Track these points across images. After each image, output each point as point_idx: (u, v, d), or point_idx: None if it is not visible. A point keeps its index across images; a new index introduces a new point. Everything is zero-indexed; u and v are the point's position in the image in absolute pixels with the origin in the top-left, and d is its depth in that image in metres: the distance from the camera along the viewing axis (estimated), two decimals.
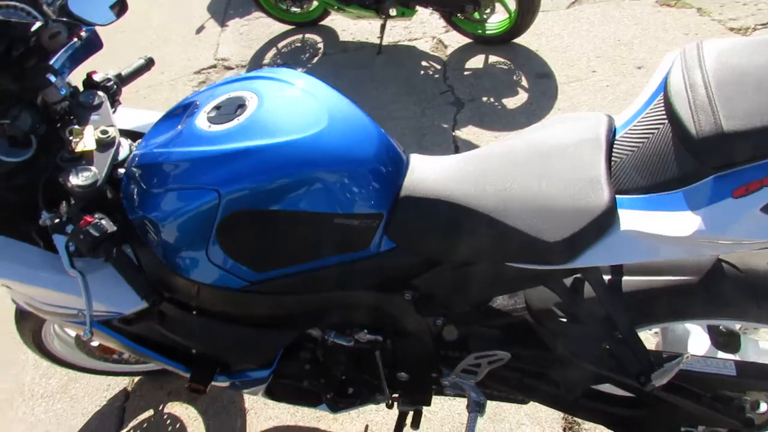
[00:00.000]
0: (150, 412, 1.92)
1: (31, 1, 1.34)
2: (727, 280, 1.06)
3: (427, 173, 1.13)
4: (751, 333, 1.31)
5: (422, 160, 1.18)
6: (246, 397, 1.89)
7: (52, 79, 1.25)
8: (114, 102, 1.41)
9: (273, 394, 1.43)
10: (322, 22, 4.49)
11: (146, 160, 1.13)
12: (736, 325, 1.26)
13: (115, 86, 1.40)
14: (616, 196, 0.96)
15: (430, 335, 1.25)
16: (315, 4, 4.18)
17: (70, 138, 1.21)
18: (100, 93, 1.33)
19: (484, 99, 3.15)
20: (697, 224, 0.84)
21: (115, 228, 1.09)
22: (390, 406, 1.49)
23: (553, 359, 1.21)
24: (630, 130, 1.02)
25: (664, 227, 0.87)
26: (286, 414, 1.81)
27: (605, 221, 0.93)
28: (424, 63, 3.66)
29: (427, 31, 3.99)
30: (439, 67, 3.57)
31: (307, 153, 1.05)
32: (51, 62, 1.31)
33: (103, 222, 1.08)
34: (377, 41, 3.83)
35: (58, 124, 1.27)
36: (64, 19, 1.31)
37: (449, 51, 3.72)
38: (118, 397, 1.99)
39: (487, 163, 1.12)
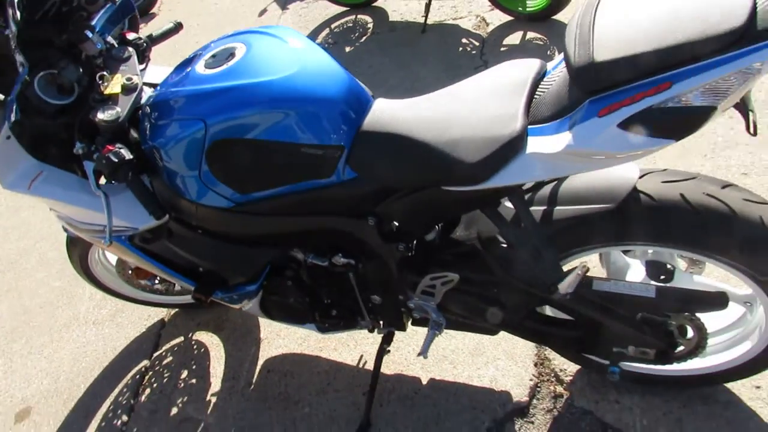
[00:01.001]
0: (181, 339, 2.20)
1: None
2: (640, 207, 1.17)
3: (386, 113, 1.30)
4: (697, 271, 1.39)
5: (385, 103, 1.35)
6: (261, 328, 2.12)
7: (89, 35, 1.51)
8: (144, 58, 1.65)
9: (267, 311, 1.66)
10: (375, 4, 4.69)
11: (155, 100, 1.37)
12: (678, 261, 1.36)
13: (144, 44, 1.65)
14: (530, 126, 1.10)
15: (393, 260, 1.42)
16: None
17: (101, 83, 1.47)
18: (130, 48, 1.58)
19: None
20: (568, 140, 0.98)
21: (131, 156, 1.33)
22: (372, 331, 1.68)
23: (495, 281, 1.36)
24: (553, 73, 1.16)
25: (547, 147, 1.01)
26: (293, 344, 2.03)
27: (515, 146, 1.08)
28: (464, 40, 3.77)
29: (472, 10, 4.09)
30: (477, 43, 3.68)
31: (278, 91, 1.24)
32: (92, 22, 1.57)
33: (122, 150, 1.32)
34: (435, 19, 4.00)
35: (96, 74, 1.53)
36: None
37: (490, 29, 3.81)
38: (155, 325, 2.28)
39: (436, 102, 1.27)
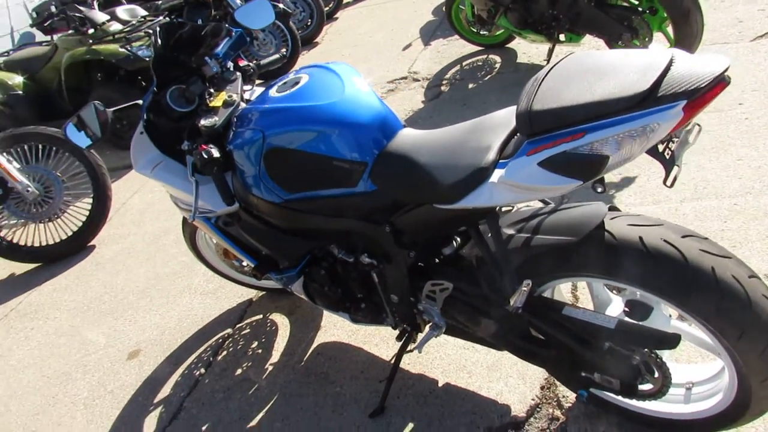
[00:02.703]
0: (260, 316, 2.60)
1: (208, 13, 2.09)
2: (600, 243, 1.31)
3: (405, 139, 1.57)
4: (687, 321, 1.46)
5: (409, 131, 1.61)
6: (323, 318, 2.45)
7: (208, 60, 1.97)
8: (250, 81, 2.08)
9: (309, 295, 1.98)
10: (508, 45, 4.93)
11: (240, 113, 1.77)
12: (667, 309, 1.45)
13: (251, 71, 2.08)
14: (501, 161, 1.30)
15: (405, 264, 1.67)
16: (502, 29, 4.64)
17: (209, 97, 1.90)
18: (237, 73, 2.01)
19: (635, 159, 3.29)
20: (504, 173, 1.18)
21: (218, 155, 1.73)
22: (395, 328, 1.93)
23: (481, 294, 1.55)
24: None
25: (495, 177, 1.23)
26: (345, 335, 2.33)
27: (482, 174, 1.29)
28: None
29: None
30: None
31: (319, 114, 1.57)
32: (217, 50, 2.03)
33: (212, 150, 1.73)
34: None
35: (207, 90, 1.98)
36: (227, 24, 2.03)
37: None
38: (244, 303, 2.72)
39: (444, 134, 1.51)
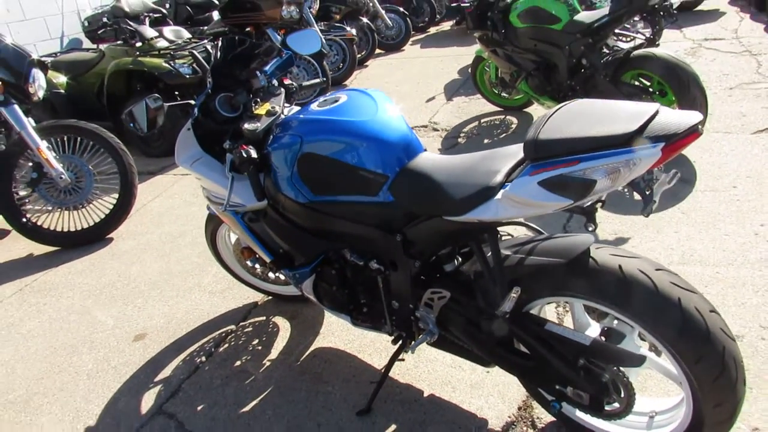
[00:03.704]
0: (263, 318, 2.76)
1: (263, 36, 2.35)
2: (584, 267, 1.50)
3: (425, 160, 1.78)
4: (654, 352, 1.63)
5: (429, 154, 1.83)
6: (323, 326, 2.61)
7: (258, 74, 2.21)
8: (291, 98, 2.32)
9: (317, 295, 2.15)
10: (526, 109, 5.23)
11: (281, 121, 1.99)
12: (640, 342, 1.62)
13: (293, 89, 2.33)
14: (507, 183, 1.51)
15: (409, 272, 1.85)
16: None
17: (254, 106, 2.14)
18: (281, 89, 2.25)
19: (621, 189, 3.52)
20: (509, 188, 1.39)
21: (255, 156, 1.95)
22: (391, 335, 2.09)
23: (474, 305, 1.73)
24: None
25: (500, 194, 1.43)
26: (342, 342, 2.49)
27: (490, 192, 1.50)
28: None
29: None
30: None
31: (351, 129, 1.79)
32: (266, 67, 2.27)
33: (251, 151, 1.95)
34: None
35: (253, 100, 2.21)
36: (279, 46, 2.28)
37: None
38: (250, 304, 2.88)
39: (461, 160, 1.72)
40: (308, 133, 1.85)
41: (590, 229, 1.54)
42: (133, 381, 2.46)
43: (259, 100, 2.17)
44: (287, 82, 2.35)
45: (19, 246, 3.91)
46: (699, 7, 7.86)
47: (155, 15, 5.65)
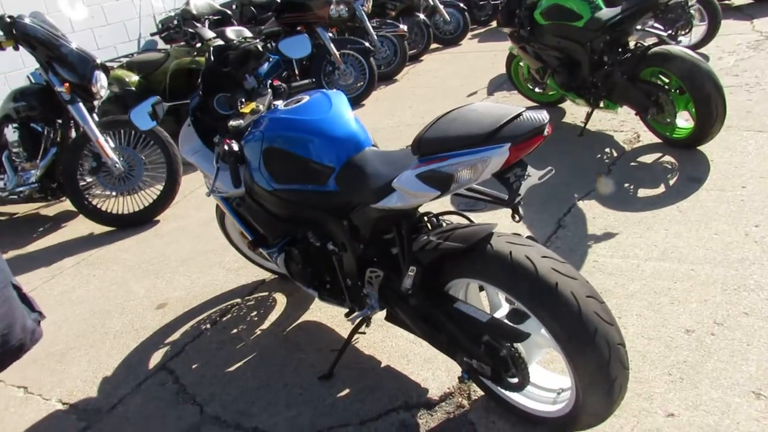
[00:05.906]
0: (266, 293, 3.10)
1: (259, 41, 2.65)
2: (479, 252, 1.69)
3: (366, 155, 2.01)
4: None
5: (373, 149, 2.05)
6: (312, 304, 2.91)
7: (247, 76, 2.52)
8: (280, 98, 2.61)
9: (289, 271, 2.44)
10: (560, 105, 5.26)
11: (255, 119, 2.29)
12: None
13: (281, 90, 2.62)
14: None
15: (355, 254, 2.10)
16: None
17: (240, 105, 2.45)
18: (269, 90, 2.55)
19: (626, 185, 3.57)
20: (396, 180, 1.60)
21: (236, 149, 2.26)
22: (347, 315, 2.33)
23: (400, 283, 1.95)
24: None
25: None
26: (327, 319, 2.78)
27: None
28: (607, 149, 4.16)
29: (635, 127, 4.42)
30: (616, 155, 4.04)
31: (304, 126, 2.06)
32: (259, 69, 2.58)
33: (233, 145, 2.26)
34: (599, 127, 4.49)
35: (241, 100, 2.52)
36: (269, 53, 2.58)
37: (637, 145, 4.14)
38: (257, 281, 3.23)
39: (391, 154, 1.94)
40: (270, 129, 2.14)
41: (516, 220, 1.72)
42: (148, 342, 2.86)
43: (244, 99, 2.48)
44: (276, 83, 2.64)
45: (83, 226, 4.47)
46: None
47: (215, 17, 6.13)
